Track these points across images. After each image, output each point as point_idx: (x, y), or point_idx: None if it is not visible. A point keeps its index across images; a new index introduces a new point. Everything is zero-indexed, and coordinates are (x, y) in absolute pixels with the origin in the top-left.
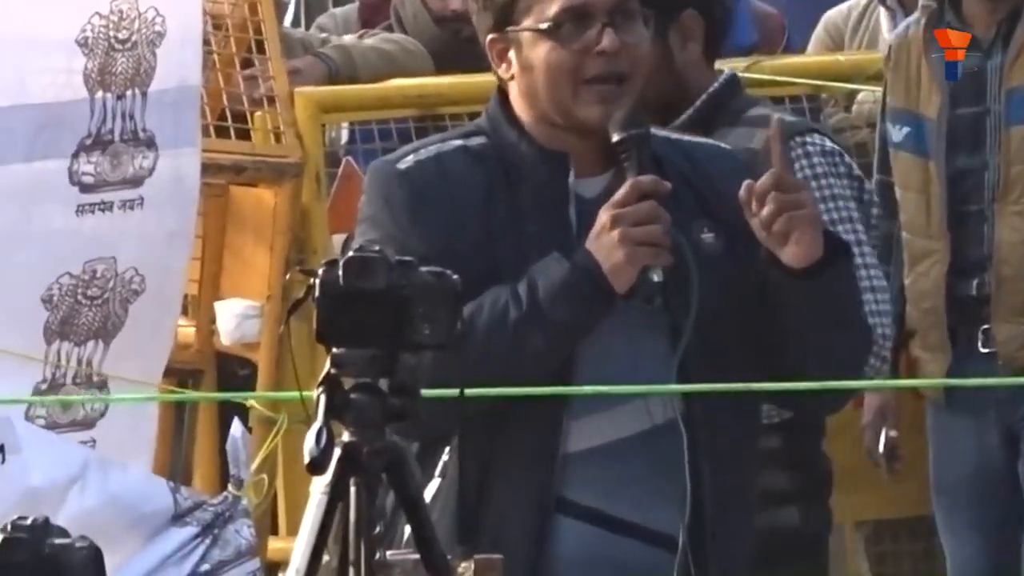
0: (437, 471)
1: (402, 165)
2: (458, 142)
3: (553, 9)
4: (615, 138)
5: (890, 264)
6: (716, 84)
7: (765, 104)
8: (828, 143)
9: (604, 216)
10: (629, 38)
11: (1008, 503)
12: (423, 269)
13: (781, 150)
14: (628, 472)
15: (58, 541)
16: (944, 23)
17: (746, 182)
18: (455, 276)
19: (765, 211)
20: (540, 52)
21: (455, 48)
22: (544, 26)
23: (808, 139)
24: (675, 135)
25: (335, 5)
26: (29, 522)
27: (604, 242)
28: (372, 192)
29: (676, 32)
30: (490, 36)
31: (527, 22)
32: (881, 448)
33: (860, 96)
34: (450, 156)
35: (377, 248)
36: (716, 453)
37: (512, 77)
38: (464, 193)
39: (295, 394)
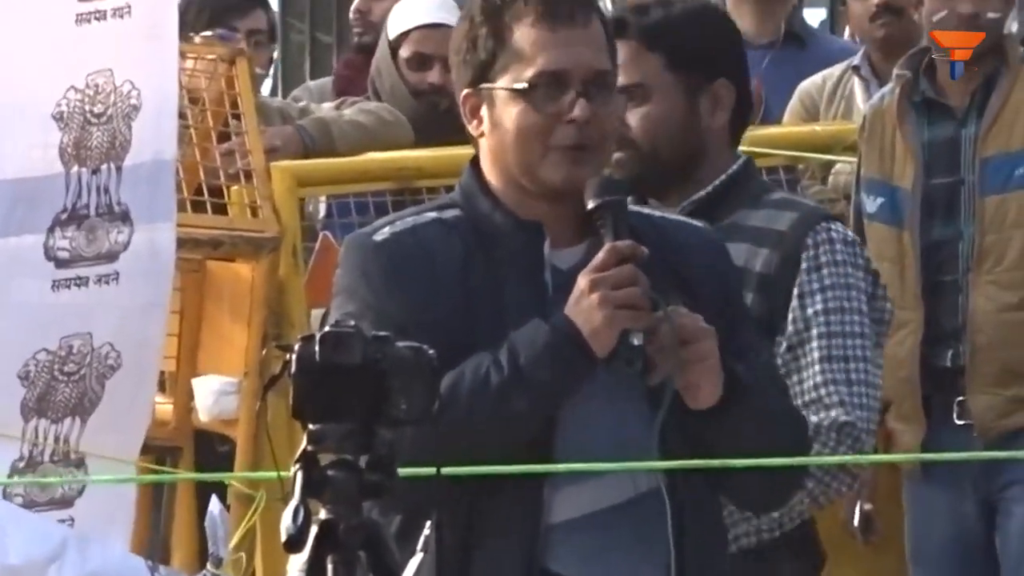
0: (420, 545)
1: (378, 237)
2: (432, 214)
3: (530, 72)
4: (591, 205)
5: None
6: (736, 165)
7: (783, 189)
8: (850, 234)
9: (583, 281)
10: (602, 109)
11: (985, 574)
12: (400, 344)
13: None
14: (611, 541)
15: None
16: (919, 93)
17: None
18: (431, 351)
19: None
20: (512, 112)
21: (433, 121)
22: (519, 87)
23: (833, 226)
24: (645, 210)
25: (312, 76)
26: None
27: (584, 306)
28: (348, 264)
29: (707, 98)
30: (465, 91)
31: (503, 81)
32: (856, 520)
33: (836, 167)
34: (425, 228)
35: (353, 323)
36: (697, 518)
37: (482, 134)
38: (441, 263)
39: (272, 474)
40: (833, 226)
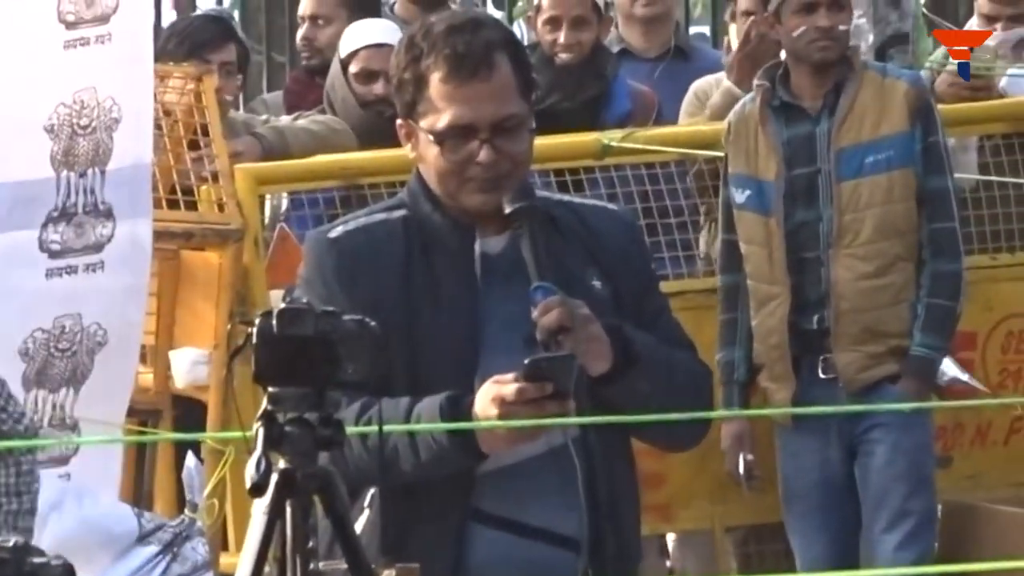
0: (366, 503)
1: (332, 234)
2: (381, 216)
3: (441, 124)
4: (507, 210)
5: (737, 311)
6: None
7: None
8: None
9: (491, 395)
10: (509, 147)
11: (848, 509)
12: (345, 317)
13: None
14: (534, 487)
15: (36, 560)
16: (777, 98)
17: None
18: (373, 323)
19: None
20: (432, 153)
21: (379, 127)
22: (431, 139)
23: None
24: (567, 198)
25: (268, 90)
26: (11, 543)
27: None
28: (308, 259)
29: None
30: (399, 120)
31: (423, 123)
32: (741, 470)
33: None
34: (374, 227)
35: (305, 300)
36: (606, 469)
37: (415, 157)
38: (385, 259)
39: (239, 434)
40: None
